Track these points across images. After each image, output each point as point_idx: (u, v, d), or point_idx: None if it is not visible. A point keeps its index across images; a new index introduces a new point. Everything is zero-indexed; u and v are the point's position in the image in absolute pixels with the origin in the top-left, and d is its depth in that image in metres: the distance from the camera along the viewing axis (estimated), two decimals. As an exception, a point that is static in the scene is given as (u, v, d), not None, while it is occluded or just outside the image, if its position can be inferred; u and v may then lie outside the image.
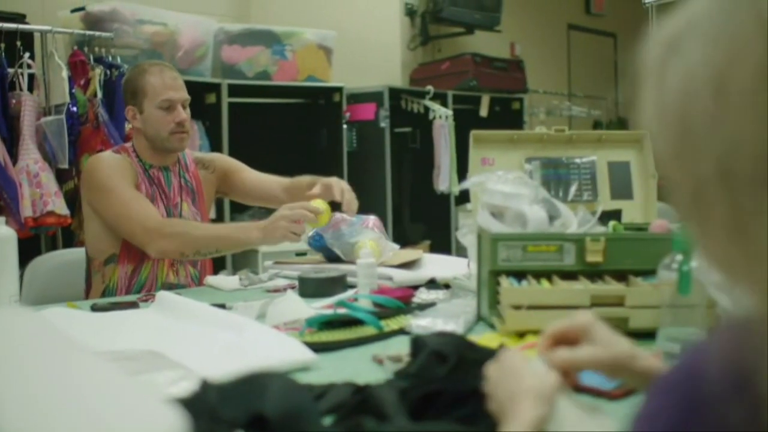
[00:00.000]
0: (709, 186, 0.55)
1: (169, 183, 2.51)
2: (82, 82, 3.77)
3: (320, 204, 2.21)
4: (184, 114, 2.44)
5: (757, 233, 0.53)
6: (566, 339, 0.97)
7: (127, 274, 2.42)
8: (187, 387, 1.07)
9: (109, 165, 2.41)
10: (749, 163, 0.52)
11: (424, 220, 5.72)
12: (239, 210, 4.55)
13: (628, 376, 0.95)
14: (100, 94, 3.74)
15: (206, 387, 0.96)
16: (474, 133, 2.17)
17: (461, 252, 2.15)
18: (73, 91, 3.67)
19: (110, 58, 3.90)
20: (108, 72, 3.82)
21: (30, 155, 3.49)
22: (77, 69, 3.78)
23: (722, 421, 0.56)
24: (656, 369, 0.91)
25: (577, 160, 2.19)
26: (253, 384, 0.95)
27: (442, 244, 5.34)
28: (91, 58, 3.85)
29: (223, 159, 2.73)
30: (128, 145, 2.54)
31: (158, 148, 2.48)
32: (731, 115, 0.54)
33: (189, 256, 2.35)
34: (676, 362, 0.65)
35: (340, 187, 2.39)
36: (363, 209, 2.40)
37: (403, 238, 5.02)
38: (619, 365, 0.94)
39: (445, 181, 5.28)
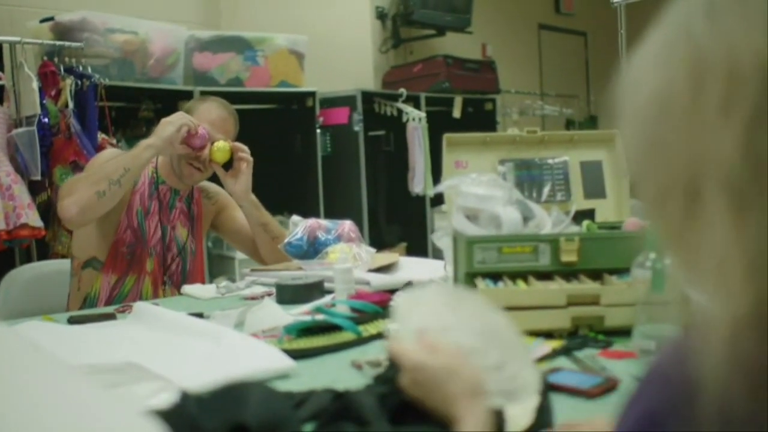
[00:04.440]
0: (671, 193, 0.58)
1: (172, 205, 2.56)
2: (53, 92, 3.74)
3: (222, 142, 2.50)
4: (207, 152, 2.48)
5: (710, 241, 0.56)
6: None
7: (110, 284, 2.42)
8: (167, 398, 1.07)
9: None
10: (710, 179, 0.55)
11: (400, 222, 5.73)
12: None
13: None
14: (71, 105, 3.71)
15: (186, 398, 0.96)
16: (447, 137, 2.17)
17: (438, 253, 2.16)
18: (44, 102, 3.64)
19: (81, 68, 3.88)
20: (79, 82, 3.79)
21: (2, 168, 3.46)
22: (48, 79, 3.75)
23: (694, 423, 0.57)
24: None
25: (550, 161, 2.21)
26: (232, 394, 0.95)
27: (419, 245, 5.35)
28: (62, 68, 3.81)
29: (226, 195, 2.75)
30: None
31: (174, 171, 2.53)
32: (695, 133, 0.56)
33: (104, 191, 2.29)
34: (649, 366, 0.66)
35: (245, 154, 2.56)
36: (339, 213, 2.39)
37: (379, 241, 5.03)
38: None
39: (419, 183, 5.30)
